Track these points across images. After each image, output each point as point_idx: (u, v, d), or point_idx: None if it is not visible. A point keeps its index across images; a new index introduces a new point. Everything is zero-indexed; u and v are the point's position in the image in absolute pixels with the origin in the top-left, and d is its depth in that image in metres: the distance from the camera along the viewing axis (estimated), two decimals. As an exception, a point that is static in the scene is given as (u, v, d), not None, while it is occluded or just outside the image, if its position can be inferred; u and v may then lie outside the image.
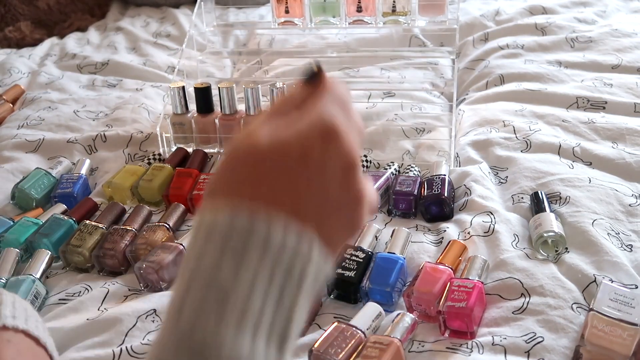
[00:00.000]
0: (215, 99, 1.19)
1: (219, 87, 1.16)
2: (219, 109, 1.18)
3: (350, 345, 0.71)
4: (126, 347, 0.76)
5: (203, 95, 1.18)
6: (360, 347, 0.71)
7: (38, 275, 0.88)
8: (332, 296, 0.83)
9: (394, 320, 0.75)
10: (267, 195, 0.39)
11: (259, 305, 0.37)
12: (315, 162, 0.40)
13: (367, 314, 0.75)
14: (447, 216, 0.97)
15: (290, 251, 0.38)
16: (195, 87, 1.18)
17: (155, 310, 0.81)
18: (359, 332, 0.72)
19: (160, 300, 0.83)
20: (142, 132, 1.24)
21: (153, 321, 0.80)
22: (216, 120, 1.17)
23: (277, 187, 0.39)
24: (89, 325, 0.79)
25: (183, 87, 1.17)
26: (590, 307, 0.74)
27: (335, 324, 0.74)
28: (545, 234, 0.86)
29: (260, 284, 0.37)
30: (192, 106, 1.20)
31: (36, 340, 0.60)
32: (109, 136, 1.24)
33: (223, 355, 0.35)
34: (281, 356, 0.38)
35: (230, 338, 0.36)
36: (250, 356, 0.36)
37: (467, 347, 0.73)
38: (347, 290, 0.82)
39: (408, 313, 0.77)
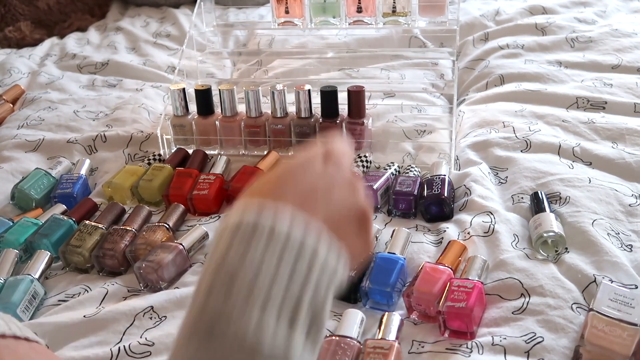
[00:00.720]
0: (216, 99, 1.18)
1: (219, 89, 1.16)
2: (220, 111, 1.18)
3: (352, 356, 0.70)
4: (124, 347, 0.75)
5: (203, 97, 1.17)
6: (360, 355, 0.71)
7: (37, 276, 0.88)
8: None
9: (381, 321, 0.74)
10: (275, 194, 0.45)
11: (266, 286, 0.40)
12: (317, 169, 0.47)
13: (353, 321, 0.74)
14: (447, 216, 0.96)
15: (296, 241, 0.42)
16: (195, 89, 1.18)
17: (152, 307, 0.81)
18: (354, 341, 0.72)
19: (159, 298, 0.83)
20: (142, 132, 1.24)
21: (151, 318, 0.80)
22: (217, 122, 1.17)
23: (283, 190, 0.45)
24: (87, 324, 0.79)
25: (184, 89, 1.17)
26: (590, 307, 0.73)
27: (326, 338, 0.72)
28: (545, 234, 0.86)
29: (267, 268, 0.41)
30: (193, 107, 1.20)
31: (26, 339, 0.60)
32: (109, 136, 1.24)
33: (230, 330, 0.38)
34: (292, 333, 0.40)
35: (237, 313, 0.38)
36: (258, 330, 0.38)
37: (467, 348, 0.73)
38: (347, 289, 0.82)
39: (393, 312, 0.76)
